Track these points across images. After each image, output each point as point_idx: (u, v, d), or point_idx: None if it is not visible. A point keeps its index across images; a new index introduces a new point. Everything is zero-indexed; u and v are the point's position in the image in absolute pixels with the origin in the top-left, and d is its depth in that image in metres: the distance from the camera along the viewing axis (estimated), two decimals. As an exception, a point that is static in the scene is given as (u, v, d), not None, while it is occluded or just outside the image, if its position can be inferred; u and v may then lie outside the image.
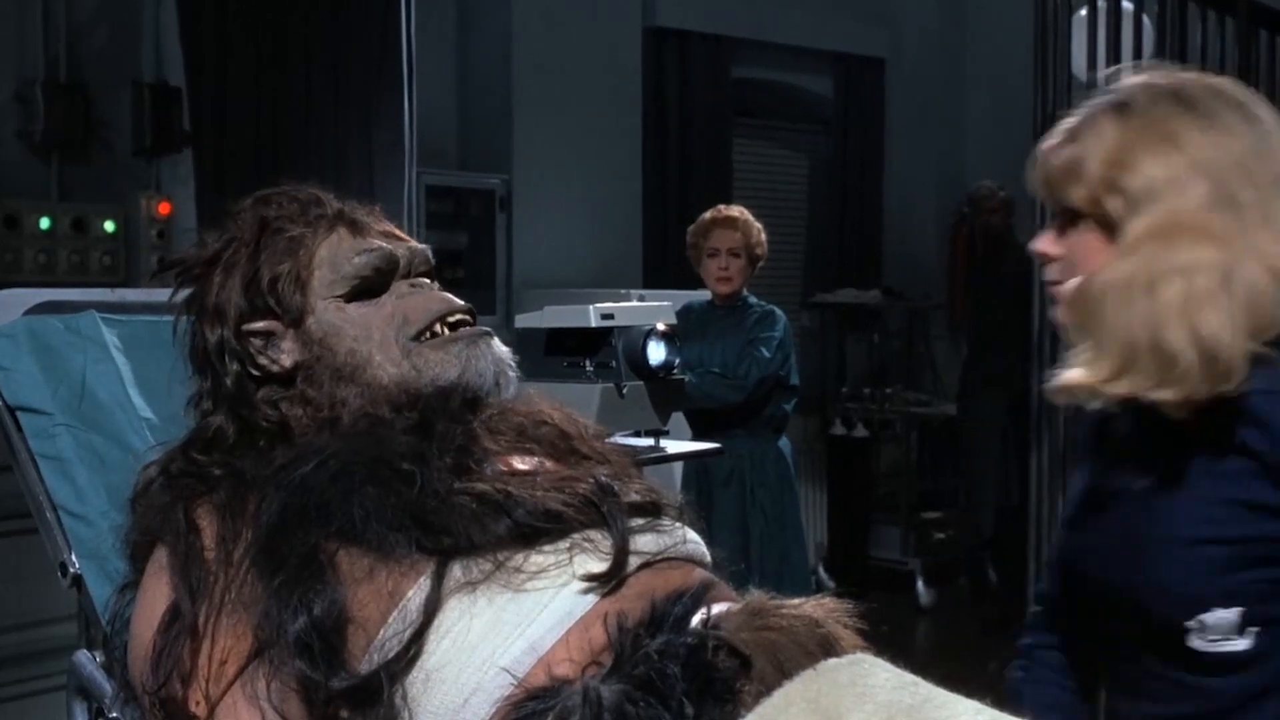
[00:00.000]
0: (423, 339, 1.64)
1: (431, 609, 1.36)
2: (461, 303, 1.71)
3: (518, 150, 6.20)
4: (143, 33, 5.00)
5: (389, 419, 1.53)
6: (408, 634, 1.35)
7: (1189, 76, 1.70)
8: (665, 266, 6.70)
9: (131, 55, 4.97)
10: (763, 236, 4.96)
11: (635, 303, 3.73)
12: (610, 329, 3.41)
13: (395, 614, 1.37)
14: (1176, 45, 4.62)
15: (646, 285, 6.30)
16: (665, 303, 3.73)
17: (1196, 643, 1.62)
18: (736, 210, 4.98)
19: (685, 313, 4.88)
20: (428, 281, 1.72)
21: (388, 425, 1.52)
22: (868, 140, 7.72)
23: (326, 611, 1.36)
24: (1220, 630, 1.60)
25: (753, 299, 5.02)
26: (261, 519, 1.44)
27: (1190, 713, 1.66)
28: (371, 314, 1.64)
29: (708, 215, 4.96)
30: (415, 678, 1.35)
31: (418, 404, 1.56)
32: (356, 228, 1.69)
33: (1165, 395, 1.58)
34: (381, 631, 1.37)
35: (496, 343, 1.69)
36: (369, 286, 1.66)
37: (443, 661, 1.35)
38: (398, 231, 1.75)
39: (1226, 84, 1.69)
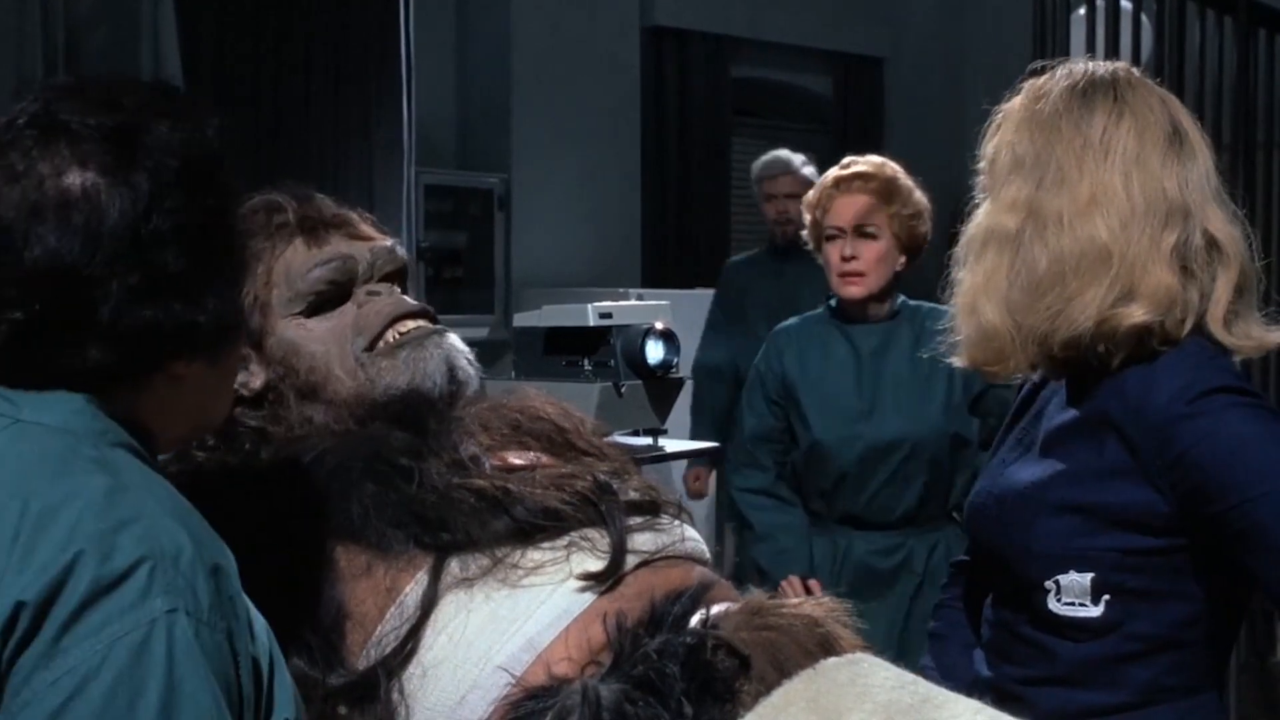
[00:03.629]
0: (375, 348, 1.63)
1: (428, 604, 1.36)
2: (414, 304, 1.69)
3: (516, 149, 6.20)
4: (141, 32, 4.97)
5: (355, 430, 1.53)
6: (405, 629, 1.35)
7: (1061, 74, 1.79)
8: (664, 265, 6.71)
9: (130, 55, 4.94)
10: (922, 204, 3.18)
11: (634, 302, 3.73)
12: (609, 328, 3.41)
13: (393, 609, 1.37)
14: (1175, 44, 4.62)
15: (645, 284, 6.29)
16: (664, 301, 3.73)
17: (1053, 605, 1.68)
18: (871, 163, 3.17)
19: (786, 336, 3.29)
20: (387, 286, 1.69)
21: (384, 421, 1.52)
22: (867, 140, 7.70)
23: (324, 609, 1.37)
24: (1073, 593, 1.67)
25: (914, 303, 3.26)
26: (257, 516, 1.43)
27: (1046, 676, 1.71)
28: (331, 328, 1.62)
29: (830, 174, 3.21)
30: (412, 673, 1.35)
31: (376, 416, 1.55)
32: (315, 236, 1.67)
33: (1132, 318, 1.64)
34: (379, 627, 1.37)
35: (449, 339, 1.67)
36: (328, 299, 1.64)
37: (440, 658, 1.35)
38: (364, 229, 1.72)
39: (1092, 77, 1.77)
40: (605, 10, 6.50)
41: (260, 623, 1.18)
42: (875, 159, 3.19)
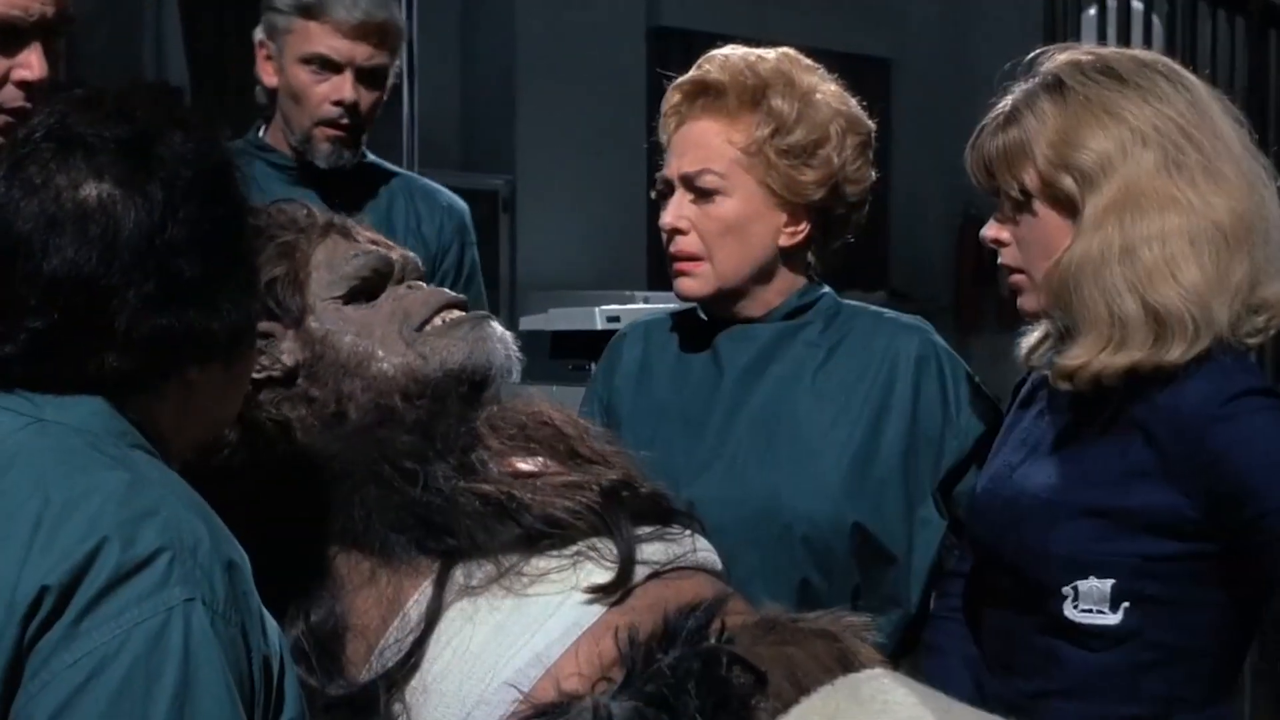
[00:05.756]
0: (424, 329, 1.62)
1: (433, 616, 1.34)
2: (460, 295, 1.70)
3: (521, 151, 6.17)
4: (143, 32, 4.95)
5: (398, 410, 1.53)
6: (408, 642, 1.34)
7: (1113, 51, 1.73)
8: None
9: (132, 55, 4.92)
10: (824, 129, 1.88)
11: (641, 305, 3.70)
12: (616, 331, 3.39)
13: (396, 621, 1.35)
14: (1187, 45, 4.61)
15: (651, 286, 6.23)
16: (672, 305, 3.69)
17: (1069, 611, 1.63)
18: (727, 63, 1.88)
19: (632, 339, 2.07)
20: (423, 284, 1.71)
21: (392, 424, 1.50)
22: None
23: (324, 619, 1.36)
24: (1092, 600, 1.63)
25: (837, 303, 1.97)
26: (261, 525, 1.40)
27: (1060, 689, 1.66)
28: (370, 315, 1.62)
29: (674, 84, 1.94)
30: (415, 688, 1.33)
31: (428, 390, 1.55)
32: (348, 235, 1.68)
33: (1163, 357, 1.58)
34: (382, 639, 1.35)
35: (499, 325, 1.67)
36: (366, 288, 1.64)
37: (444, 671, 1.33)
38: (386, 240, 1.74)
39: (1151, 56, 1.73)
40: (610, 10, 6.48)
41: (271, 623, 1.19)
42: (746, 53, 1.90)
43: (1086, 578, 1.63)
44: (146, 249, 1.13)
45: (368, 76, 2.38)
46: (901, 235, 7.82)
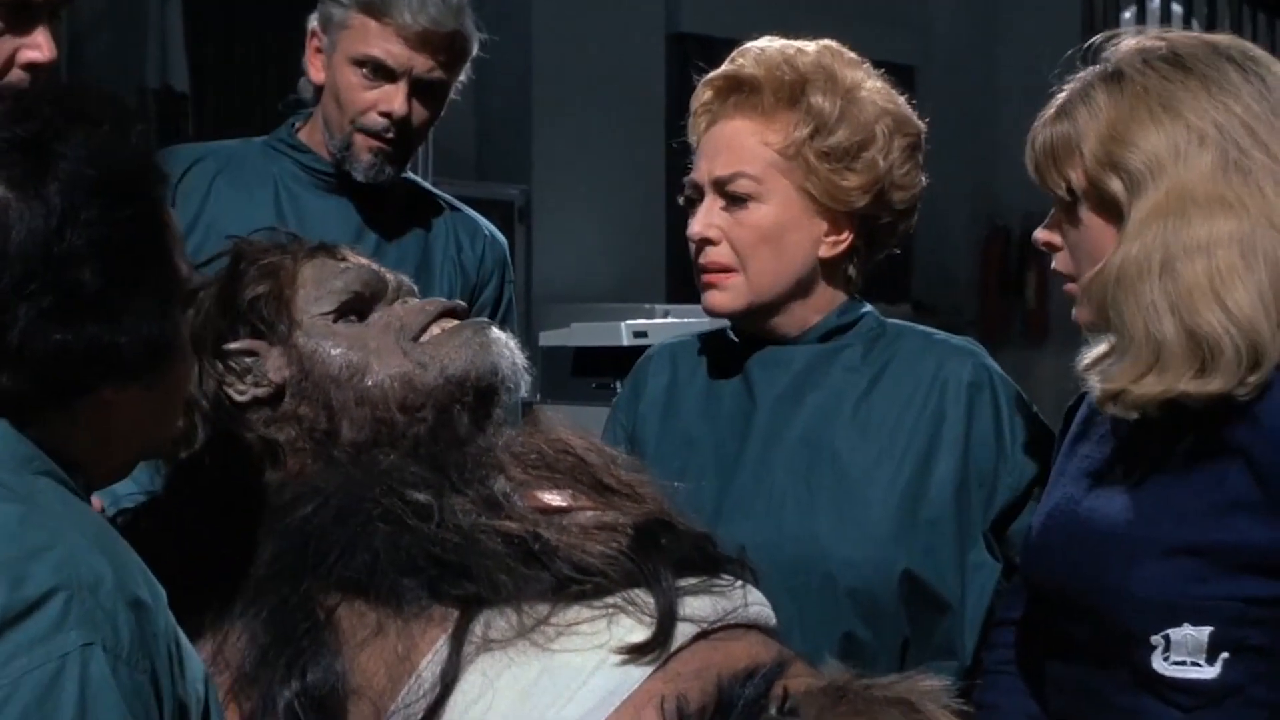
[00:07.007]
0: (421, 339, 1.54)
1: (449, 679, 1.23)
2: (459, 303, 1.62)
3: (537, 160, 6.17)
4: (147, 38, 4.98)
5: (398, 424, 1.46)
6: (421, 707, 1.22)
7: (1185, 36, 1.59)
8: (690, 279, 6.60)
9: (136, 61, 4.95)
10: (868, 129, 1.73)
11: (670, 319, 3.56)
12: (643, 348, 3.27)
13: (409, 682, 1.24)
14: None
15: (670, 299, 6.23)
16: (702, 319, 3.55)
17: (1159, 664, 1.48)
18: (763, 57, 1.75)
19: (660, 362, 1.96)
20: (418, 299, 1.62)
21: (396, 448, 1.42)
22: (897, 150, 7.63)
23: (322, 679, 1.25)
24: (1186, 650, 1.48)
25: (880, 322, 1.83)
26: (252, 570, 1.33)
27: None
28: (363, 330, 1.54)
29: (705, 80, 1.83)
30: None
31: (428, 401, 1.46)
32: (336, 255, 1.61)
33: (1206, 388, 1.44)
34: (392, 702, 1.24)
35: (503, 333, 1.57)
36: (357, 305, 1.56)
37: None
38: (378, 265, 1.66)
39: (1227, 40, 1.57)
40: (628, 17, 6.48)
41: (195, 664, 1.11)
42: (784, 46, 1.77)
43: (1179, 625, 1.46)
44: (41, 258, 1.05)
45: (425, 90, 2.18)
46: (925, 246, 7.74)
